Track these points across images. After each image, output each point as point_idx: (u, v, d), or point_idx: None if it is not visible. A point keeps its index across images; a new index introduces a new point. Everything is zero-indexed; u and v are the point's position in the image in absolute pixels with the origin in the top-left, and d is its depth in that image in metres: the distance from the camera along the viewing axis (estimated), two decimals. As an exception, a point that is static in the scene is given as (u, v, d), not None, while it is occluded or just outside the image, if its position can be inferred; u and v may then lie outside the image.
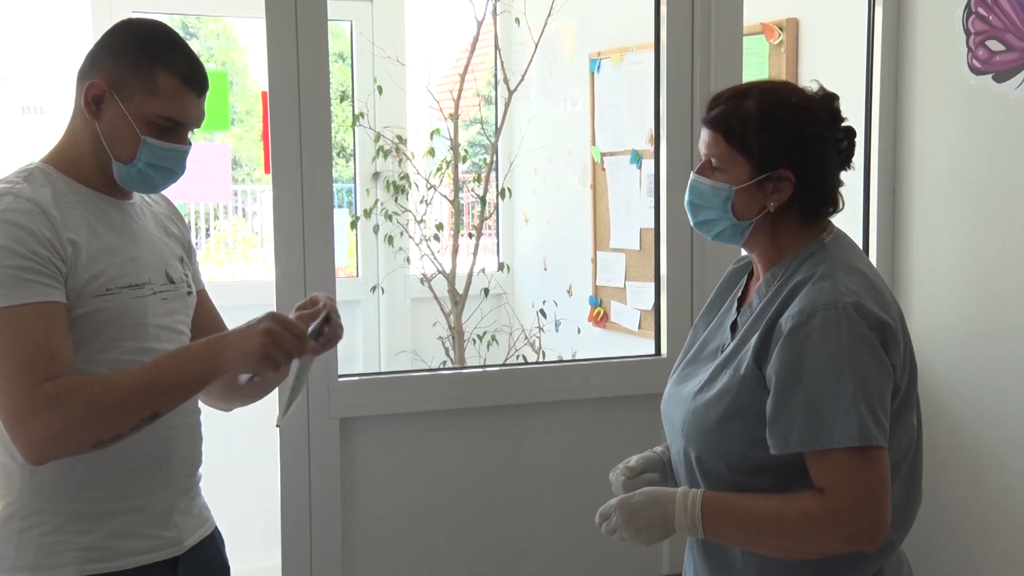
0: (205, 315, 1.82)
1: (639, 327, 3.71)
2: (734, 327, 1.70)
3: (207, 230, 11.13)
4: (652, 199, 2.78)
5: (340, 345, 2.37)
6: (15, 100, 5.07)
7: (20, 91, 5.13)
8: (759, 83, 1.69)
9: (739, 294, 1.76)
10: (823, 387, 1.50)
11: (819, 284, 1.56)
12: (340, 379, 2.41)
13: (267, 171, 4.00)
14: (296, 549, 2.41)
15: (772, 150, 1.60)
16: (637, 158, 3.69)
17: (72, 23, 4.21)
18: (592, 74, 3.93)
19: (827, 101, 1.66)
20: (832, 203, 1.66)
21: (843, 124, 1.66)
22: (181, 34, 1.83)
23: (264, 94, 3.97)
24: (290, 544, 2.41)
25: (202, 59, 1.78)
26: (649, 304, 3.55)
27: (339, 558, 2.43)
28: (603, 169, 3.91)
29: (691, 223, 1.70)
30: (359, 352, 4.17)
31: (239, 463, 3.88)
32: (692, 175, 1.68)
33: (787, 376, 1.53)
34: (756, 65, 3.19)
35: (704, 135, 1.66)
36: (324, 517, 2.41)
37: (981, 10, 2.52)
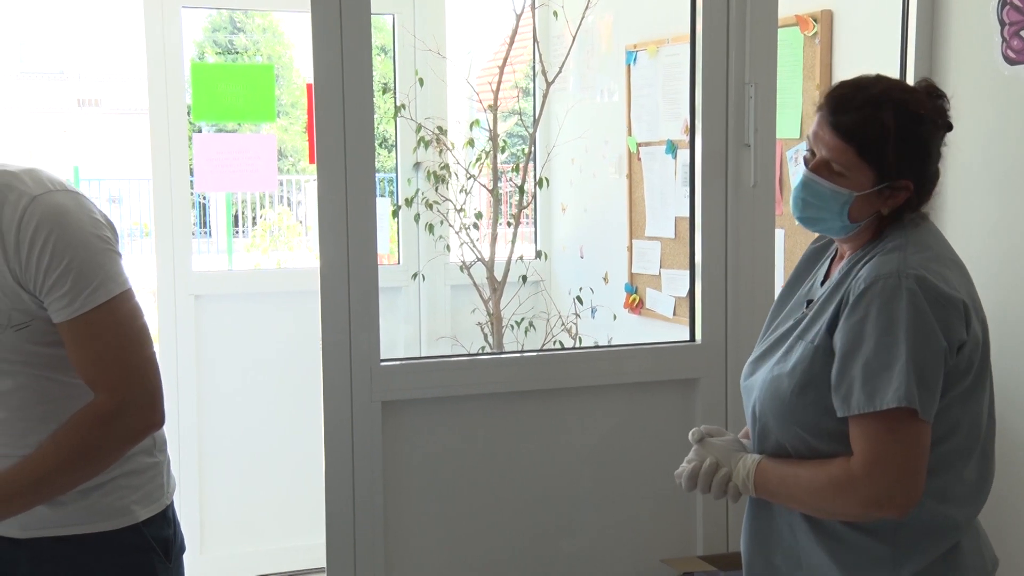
0: (71, 351, 1.68)
1: (674, 314, 3.77)
2: (811, 304, 1.75)
3: (253, 219, 11.30)
4: (687, 188, 2.83)
5: (382, 331, 2.48)
6: (72, 93, 5.20)
7: (76, 85, 5.26)
8: (888, 90, 1.68)
9: (821, 275, 1.81)
10: (878, 352, 1.57)
11: (887, 256, 1.63)
12: (382, 363, 2.49)
13: (312, 161, 4.10)
14: (340, 528, 2.48)
15: (904, 163, 1.64)
16: (672, 148, 3.74)
17: (126, 19, 4.32)
18: (628, 66, 3.98)
19: (937, 99, 1.70)
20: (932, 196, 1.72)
21: (946, 120, 1.70)
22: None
23: (309, 87, 4.06)
24: (334, 523, 2.48)
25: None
26: (684, 291, 3.60)
27: (382, 537, 2.51)
28: (639, 159, 3.96)
29: (794, 214, 1.74)
30: (400, 337, 4.25)
31: (284, 445, 4.00)
32: (807, 172, 1.69)
33: (849, 342, 1.60)
34: (790, 56, 3.23)
35: (828, 137, 1.66)
36: (367, 497, 2.49)
37: (1016, 0, 2.54)
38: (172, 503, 1.93)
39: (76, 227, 1.64)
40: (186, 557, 4.07)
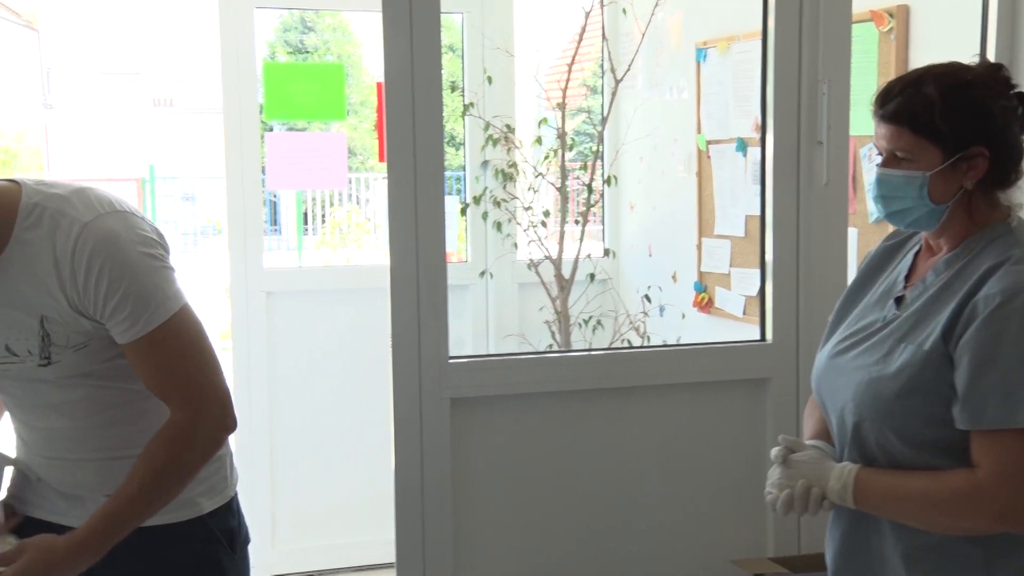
0: (138, 370, 1.73)
1: (744, 313, 3.73)
2: (900, 301, 1.72)
3: (322, 216, 11.45)
4: (758, 186, 2.80)
5: (450, 328, 2.50)
6: (147, 94, 5.31)
7: (152, 85, 5.37)
8: (928, 69, 1.69)
9: (904, 270, 1.77)
10: (1020, 367, 1.54)
11: (1019, 267, 1.58)
12: (451, 361, 2.50)
13: (381, 159, 4.14)
14: (409, 524, 2.50)
15: (962, 130, 1.62)
16: (743, 146, 3.70)
17: (199, 20, 4.40)
18: (698, 63, 3.94)
19: (996, 71, 1.67)
20: (1020, 171, 1.68)
21: (1015, 91, 1.67)
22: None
23: (379, 85, 4.10)
24: (403, 519, 2.50)
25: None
26: (754, 290, 3.57)
27: (450, 533, 2.52)
28: (708, 157, 3.92)
29: (882, 215, 1.72)
30: (468, 335, 4.27)
31: (353, 440, 4.04)
32: (878, 169, 1.69)
33: (984, 354, 1.56)
34: (865, 53, 3.18)
35: (883, 130, 1.66)
36: (435, 493, 2.50)
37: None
38: (236, 495, 1.97)
39: (129, 251, 1.67)
40: (257, 550, 4.13)
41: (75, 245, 1.64)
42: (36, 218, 1.66)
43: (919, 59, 3.07)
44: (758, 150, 2.93)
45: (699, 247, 4.01)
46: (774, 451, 1.76)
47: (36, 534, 1.83)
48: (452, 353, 2.51)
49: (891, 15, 3.14)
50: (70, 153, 19.39)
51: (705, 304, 3.99)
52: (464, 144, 4.40)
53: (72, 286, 1.65)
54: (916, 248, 1.79)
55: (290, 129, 5.20)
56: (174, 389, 1.72)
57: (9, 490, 1.93)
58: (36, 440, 1.84)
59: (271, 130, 4.39)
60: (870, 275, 1.85)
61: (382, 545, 3.26)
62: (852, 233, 2.88)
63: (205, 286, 10.99)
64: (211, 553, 1.88)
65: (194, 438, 1.73)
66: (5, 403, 1.85)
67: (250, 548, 2.00)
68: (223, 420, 1.77)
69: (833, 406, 1.76)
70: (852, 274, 2.86)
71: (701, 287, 4.01)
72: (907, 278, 1.76)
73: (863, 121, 3.03)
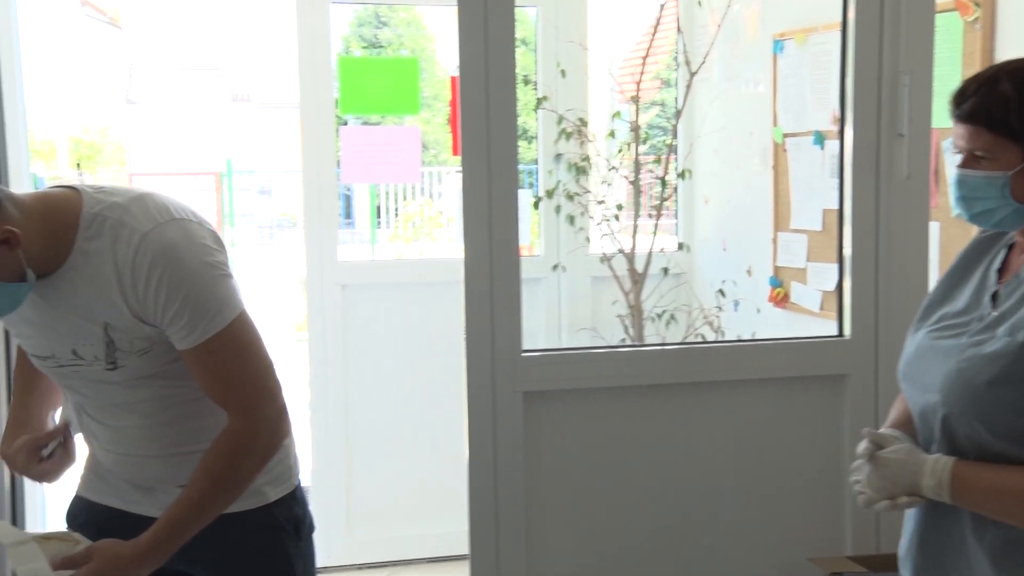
0: (197, 376, 1.79)
1: (821, 308, 3.68)
2: (995, 297, 1.70)
3: (395, 210, 11.55)
4: (835, 180, 2.75)
5: (524, 321, 2.50)
6: (226, 89, 5.41)
7: (230, 81, 5.47)
8: (1003, 66, 1.67)
9: (997, 264, 1.75)
10: None
11: None
12: (523, 354, 2.51)
13: (455, 153, 4.15)
14: (483, 516, 2.51)
15: None
16: (820, 139, 3.65)
17: (277, 16, 4.46)
18: (775, 55, 3.89)
19: None
20: None
21: None
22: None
23: (453, 79, 4.12)
24: (477, 511, 2.52)
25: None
26: (831, 285, 3.51)
27: (524, 526, 2.53)
28: (784, 150, 3.87)
29: (966, 217, 1.70)
30: (541, 329, 4.27)
31: (427, 432, 4.07)
32: (957, 170, 1.68)
33: None
34: (948, 43, 3.10)
35: (961, 130, 1.65)
36: (509, 486, 2.51)
37: None
38: (300, 483, 2.00)
39: (187, 260, 1.71)
40: (332, 540, 4.21)
41: (135, 255, 1.68)
42: (97, 228, 1.70)
43: (1005, 50, 3.00)
44: (836, 143, 2.88)
45: (775, 241, 3.96)
46: (861, 446, 1.74)
47: (109, 522, 1.88)
48: (525, 346, 2.51)
49: (977, 4, 3.06)
50: (151, 148, 19.82)
51: (781, 299, 3.94)
52: (537, 138, 4.40)
53: (133, 295, 1.69)
54: (1011, 242, 1.76)
55: (364, 123, 5.25)
56: (231, 396, 1.77)
57: (82, 477, 1.98)
58: (107, 437, 1.89)
59: (346, 124, 4.43)
60: (965, 266, 1.82)
61: (455, 537, 3.28)
62: (934, 227, 2.82)
63: (280, 278, 11.16)
64: (277, 540, 1.92)
65: (251, 446, 1.78)
66: (76, 402, 1.90)
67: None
68: (278, 427, 1.81)
69: (919, 397, 1.73)
70: (934, 268, 2.82)
71: (777, 282, 3.96)
72: (1000, 272, 1.73)
73: (946, 113, 2.96)
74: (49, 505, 3.33)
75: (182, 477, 1.83)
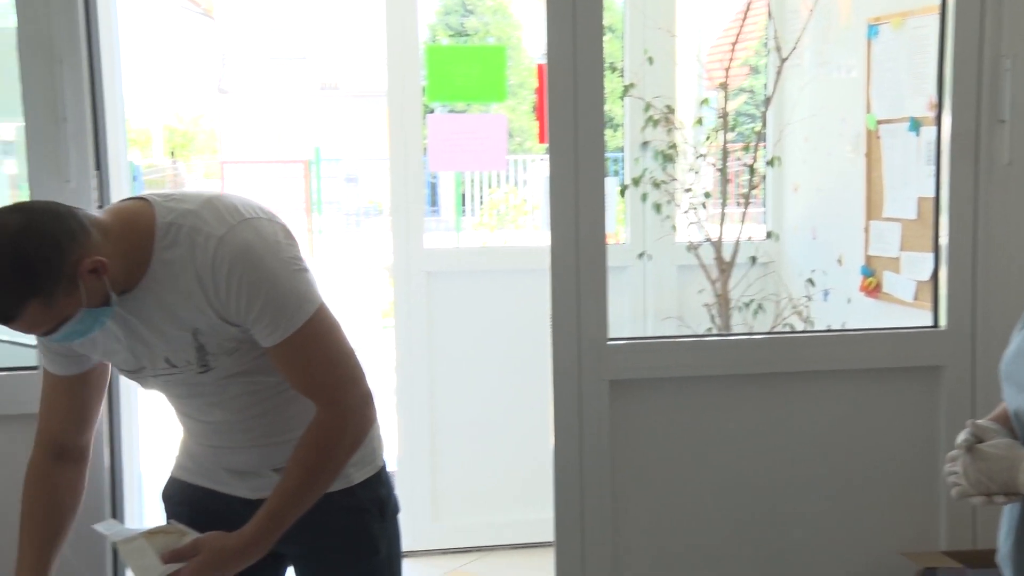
0: (282, 371, 1.82)
1: (915, 298, 3.59)
2: None
3: (480, 197, 11.60)
4: (931, 167, 2.68)
5: (609, 310, 2.49)
6: (314, 78, 5.48)
7: (319, 70, 5.54)
8: None
9: None
10: None
11: None
12: (609, 343, 2.50)
13: (541, 141, 4.15)
14: (568, 504, 2.52)
15: None
16: (916, 125, 3.56)
17: (366, 5, 4.49)
18: (869, 40, 3.80)
19: None
20: None
21: None
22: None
23: (540, 67, 4.12)
24: (563, 499, 2.52)
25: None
26: (926, 275, 3.43)
27: (610, 515, 2.53)
28: (878, 137, 3.78)
29: None
30: (626, 317, 4.25)
31: (512, 419, 4.09)
32: None
33: None
34: (1052, 24, 3.00)
35: None
36: (595, 474, 2.51)
37: None
38: (384, 465, 2.03)
39: (264, 259, 1.73)
40: (418, 525, 4.25)
41: (213, 260, 1.70)
42: (173, 237, 1.72)
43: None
44: (932, 129, 2.81)
45: (867, 230, 3.87)
46: (960, 436, 1.70)
47: (203, 501, 1.93)
48: (610, 335, 2.50)
49: (1082, -16, 2.95)
50: (241, 136, 20.22)
51: (872, 289, 3.86)
52: (623, 125, 4.37)
53: (216, 299, 1.72)
54: None
55: (451, 111, 5.28)
56: (317, 388, 1.80)
57: (176, 461, 2.04)
58: (199, 431, 1.94)
59: (432, 112, 4.46)
60: None
61: (540, 524, 3.29)
62: (1035, 215, 2.73)
63: (366, 265, 11.30)
64: (362, 521, 1.96)
65: (341, 436, 1.81)
66: (168, 399, 1.95)
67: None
68: (365, 413, 1.84)
69: (1016, 396, 1.68)
70: (1036, 258, 2.72)
71: (868, 271, 3.88)
72: None
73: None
74: (146, 487, 3.43)
75: (275, 462, 1.88)
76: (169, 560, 1.75)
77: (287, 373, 1.80)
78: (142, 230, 1.71)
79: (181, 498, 2.00)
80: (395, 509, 2.05)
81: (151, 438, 3.47)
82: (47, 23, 2.24)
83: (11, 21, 2.27)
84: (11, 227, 1.58)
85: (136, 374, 1.88)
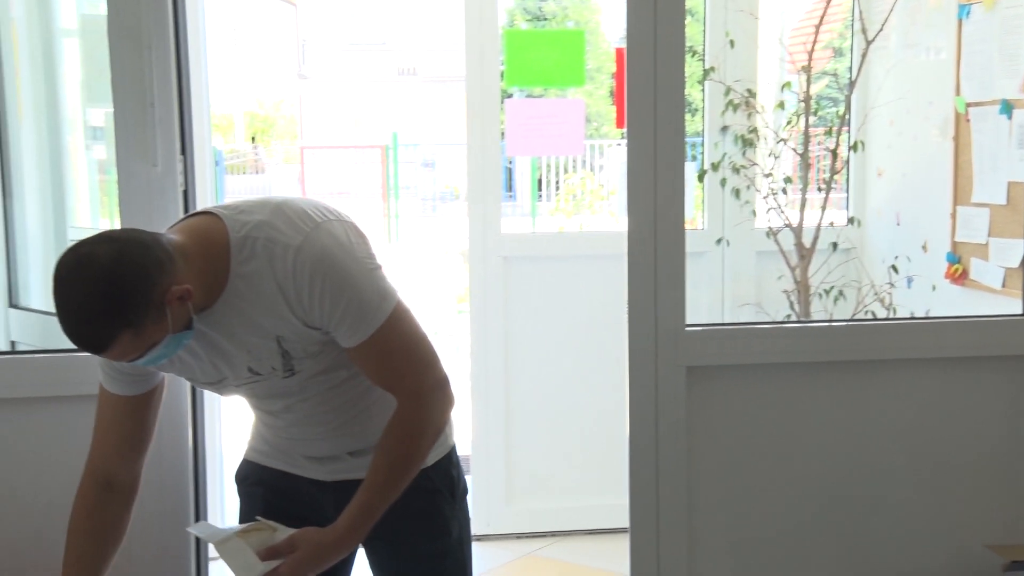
0: (364, 368, 1.85)
1: (1003, 286, 3.50)
2: None
3: (556, 183, 11.59)
4: (1023, 151, 2.61)
5: (687, 296, 2.47)
6: (392, 63, 5.52)
7: (397, 55, 5.58)
8: None
9: None
10: None
11: None
12: (687, 329, 2.48)
13: (619, 125, 4.12)
14: (644, 491, 2.51)
15: None
16: (1008, 108, 3.46)
17: (445, -9, 4.50)
18: (960, 20, 3.71)
19: None
20: None
21: None
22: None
23: (618, 51, 4.09)
24: (638, 486, 2.51)
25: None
26: (1015, 261, 3.35)
27: (685, 502, 2.51)
28: (967, 120, 3.69)
29: None
30: (703, 303, 4.22)
31: (588, 404, 4.09)
32: None
33: None
34: None
35: None
36: (671, 461, 2.50)
37: None
38: (455, 446, 2.05)
39: (341, 262, 1.75)
40: (493, 509, 4.28)
41: (293, 269, 1.72)
42: (250, 250, 1.73)
43: None
44: (1025, 112, 2.73)
45: (953, 215, 3.79)
46: None
47: (280, 481, 1.97)
48: (687, 321, 2.48)
49: None
50: (321, 121, 20.46)
51: (958, 276, 3.77)
52: (701, 110, 4.33)
53: (299, 306, 1.74)
54: None
55: (528, 96, 5.27)
56: (398, 385, 1.83)
57: (250, 446, 2.07)
58: (279, 425, 1.98)
59: (510, 97, 4.46)
60: None
61: (615, 510, 3.29)
62: None
63: (442, 250, 11.37)
64: (435, 503, 1.98)
65: (423, 428, 1.84)
66: (246, 399, 1.98)
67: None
68: (445, 404, 1.87)
69: None
70: None
71: (954, 258, 3.79)
72: None
73: None
74: (227, 469, 3.51)
75: (353, 447, 1.93)
76: (267, 557, 1.79)
77: (367, 370, 1.83)
78: (218, 247, 1.72)
79: (256, 479, 2.04)
80: (464, 490, 2.07)
81: (232, 419, 3.55)
82: (136, 10, 2.29)
83: (102, 9, 2.32)
84: (102, 258, 1.59)
85: (216, 385, 1.91)
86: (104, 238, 1.64)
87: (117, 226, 2.38)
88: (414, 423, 1.83)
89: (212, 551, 2.01)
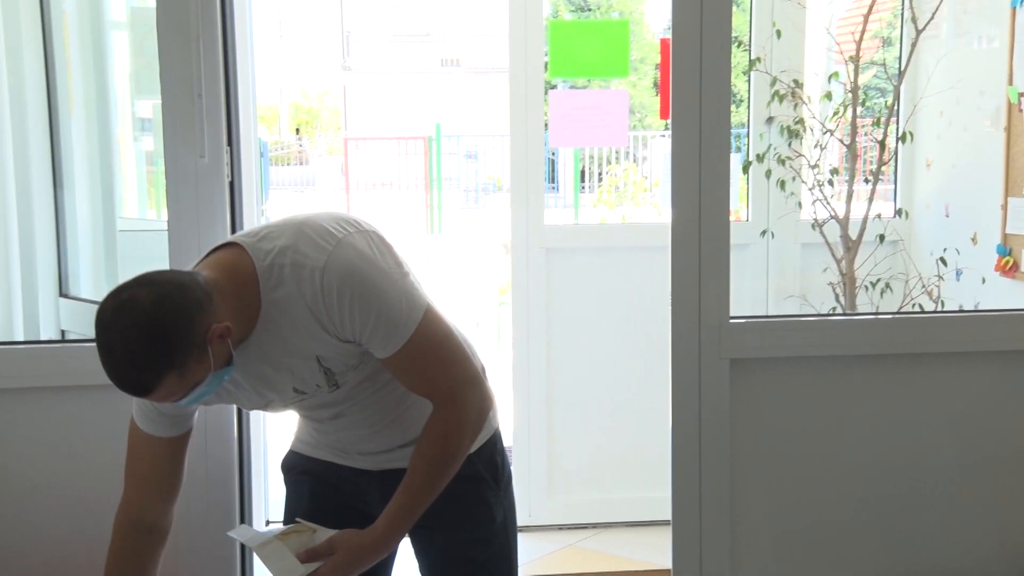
0: (399, 376, 1.86)
1: (1054, 280, 3.44)
2: None
3: (599, 175, 11.56)
4: (1077, 142, 2.56)
5: (731, 288, 2.46)
6: (436, 54, 5.53)
7: (440, 46, 5.59)
8: None
9: None
10: None
11: None
12: (731, 321, 2.47)
13: (663, 117, 4.10)
14: (686, 484, 2.50)
15: None
16: (1061, 98, 3.40)
17: (488, -19, 4.49)
18: (1013, 8, 3.64)
19: None
20: None
21: None
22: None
23: (663, 42, 4.06)
24: (680, 478, 2.51)
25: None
26: (1067, 256, 3.29)
27: (728, 495, 2.50)
28: (1020, 110, 3.63)
29: None
30: (746, 295, 4.19)
31: (630, 396, 4.08)
32: None
33: None
34: None
35: None
36: (713, 454, 2.49)
37: None
38: (498, 432, 2.06)
39: (368, 275, 1.76)
40: (535, 500, 4.27)
41: (321, 290, 1.73)
42: (277, 277, 1.74)
43: None
44: (1079, 102, 2.67)
45: (1004, 207, 3.73)
46: None
47: (326, 471, 2.00)
48: (731, 313, 2.47)
49: None
50: (364, 113, 20.55)
51: (1009, 268, 3.71)
52: (745, 101, 4.29)
53: (331, 324, 1.76)
54: None
55: (571, 87, 5.26)
56: (434, 390, 1.84)
57: (296, 438, 2.09)
58: (324, 429, 2.00)
59: (554, 88, 4.45)
60: None
61: (658, 502, 3.28)
62: None
63: (484, 242, 11.39)
64: (478, 490, 1.99)
65: (461, 430, 1.85)
66: (294, 411, 2.01)
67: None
68: (482, 405, 1.88)
69: None
70: None
71: (1005, 250, 3.74)
72: None
73: None
74: (271, 460, 3.54)
75: (399, 441, 1.95)
76: (305, 560, 1.81)
77: (403, 378, 1.85)
78: (247, 280, 1.74)
79: (302, 469, 2.06)
80: (509, 477, 2.08)
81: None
82: (184, 3, 2.31)
83: (151, 2, 2.34)
84: (143, 302, 1.60)
85: (263, 408, 1.94)
86: (143, 281, 1.65)
87: (164, 217, 2.41)
88: (450, 424, 1.85)
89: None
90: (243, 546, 2.48)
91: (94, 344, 1.63)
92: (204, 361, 1.66)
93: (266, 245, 1.76)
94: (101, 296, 1.65)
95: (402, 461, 1.91)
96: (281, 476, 2.13)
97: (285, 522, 1.97)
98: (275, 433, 3.66)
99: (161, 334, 1.60)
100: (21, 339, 2.97)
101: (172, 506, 1.95)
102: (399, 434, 1.95)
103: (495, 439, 2.05)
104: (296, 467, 2.08)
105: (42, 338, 3.09)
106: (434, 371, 1.83)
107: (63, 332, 3.16)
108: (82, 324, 3.12)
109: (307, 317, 1.75)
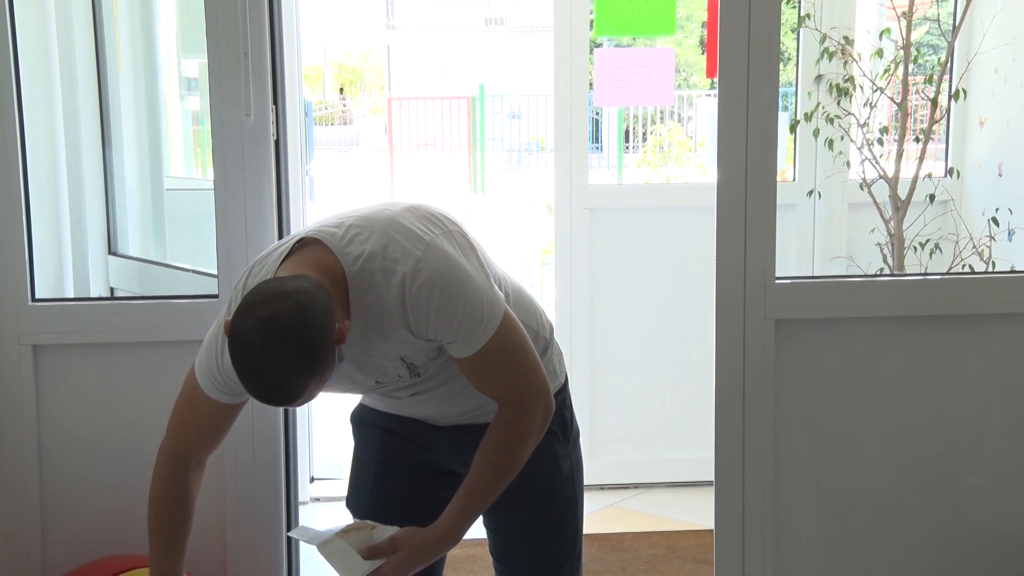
0: (473, 378, 1.88)
1: (1110, 241, 3.37)
2: None
3: (644, 134, 11.46)
4: None
5: (777, 248, 2.43)
6: (480, 13, 5.49)
7: (484, 5, 5.54)
8: None
9: None
10: None
11: None
12: (777, 281, 2.45)
13: (710, 75, 4.05)
14: (729, 445, 2.49)
15: None
16: (1120, 54, 3.31)
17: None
18: (1072, -39, 3.54)
19: None
20: None
21: None
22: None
23: (710, -1, 4.01)
24: (724, 439, 2.50)
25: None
26: (1124, 217, 3.22)
27: (771, 457, 2.49)
28: (1077, 67, 3.54)
29: None
30: (792, 256, 4.15)
31: (672, 356, 4.07)
32: None
33: None
34: None
35: None
36: (757, 415, 2.48)
37: None
38: (567, 383, 2.08)
39: (452, 281, 1.77)
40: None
41: (411, 295, 1.75)
42: (367, 283, 1.76)
43: None
44: None
45: (1059, 167, 3.65)
46: None
47: (394, 423, 2.05)
48: (777, 274, 2.45)
49: None
50: (408, 72, 20.50)
51: (1063, 230, 3.64)
52: (793, 59, 4.22)
53: (418, 327, 1.78)
54: None
55: (616, 46, 5.20)
56: (504, 393, 1.87)
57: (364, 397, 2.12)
58: (397, 407, 2.04)
59: (599, 46, 4.41)
60: None
61: (700, 463, 3.28)
62: None
63: (528, 202, 11.36)
64: (546, 442, 1.99)
65: (527, 435, 1.88)
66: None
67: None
68: (547, 410, 1.90)
69: None
70: None
71: (1059, 211, 3.67)
72: None
73: None
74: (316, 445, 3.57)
75: (476, 405, 1.96)
76: (368, 557, 1.85)
77: (475, 379, 1.87)
78: (339, 283, 1.75)
79: (372, 422, 2.11)
80: (577, 432, 2.12)
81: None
82: (229, -39, 2.31)
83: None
84: (288, 319, 1.61)
85: (342, 394, 1.98)
86: (275, 294, 1.64)
87: (210, 176, 2.42)
88: (516, 430, 1.87)
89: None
90: (290, 547, 2.51)
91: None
92: (334, 362, 1.70)
93: (354, 250, 1.77)
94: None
95: (472, 418, 1.97)
96: (349, 427, 2.16)
97: (352, 467, 2.00)
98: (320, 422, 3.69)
99: (309, 349, 1.62)
100: (71, 296, 3.02)
101: (207, 453, 1.98)
102: (472, 401, 1.97)
103: (563, 392, 2.07)
104: (367, 420, 2.12)
105: (92, 295, 3.14)
106: (508, 375, 1.86)
107: (112, 290, 3.21)
108: (130, 281, 3.16)
109: (395, 321, 1.78)
